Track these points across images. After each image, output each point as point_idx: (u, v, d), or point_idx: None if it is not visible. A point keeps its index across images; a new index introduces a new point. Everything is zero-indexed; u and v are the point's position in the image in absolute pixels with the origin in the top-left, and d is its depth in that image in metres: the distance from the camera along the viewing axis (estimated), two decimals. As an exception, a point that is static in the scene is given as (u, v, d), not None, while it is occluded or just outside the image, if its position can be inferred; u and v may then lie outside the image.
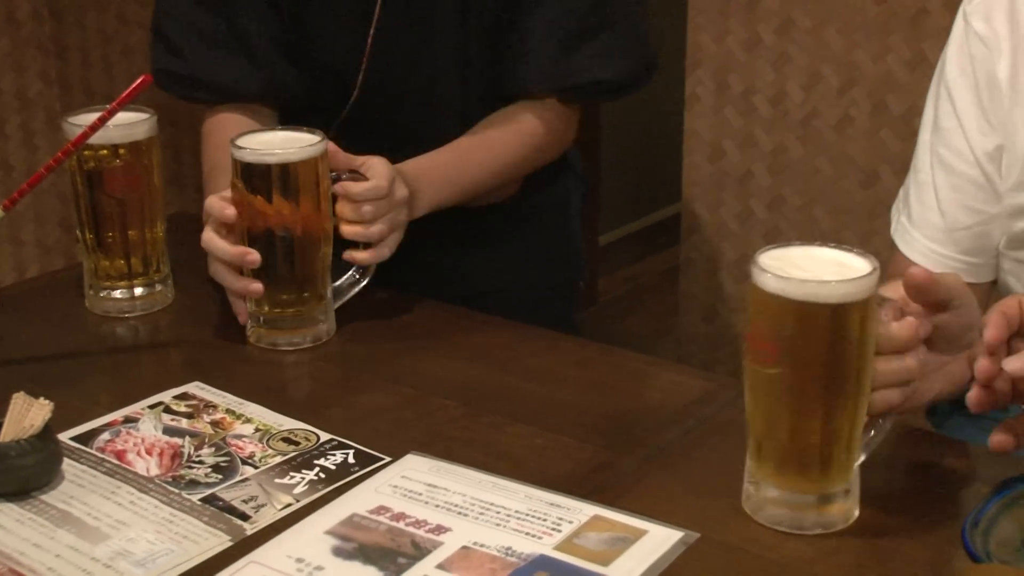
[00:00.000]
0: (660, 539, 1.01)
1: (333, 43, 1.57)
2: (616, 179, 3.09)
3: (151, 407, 1.20)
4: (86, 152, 1.35)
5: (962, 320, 1.08)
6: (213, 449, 1.13)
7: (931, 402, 1.18)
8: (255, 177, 1.29)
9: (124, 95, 1.23)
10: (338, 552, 0.97)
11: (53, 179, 1.38)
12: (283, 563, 0.96)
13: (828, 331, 0.97)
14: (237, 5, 1.55)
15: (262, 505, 1.04)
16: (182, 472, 1.09)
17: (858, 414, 1.00)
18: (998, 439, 1.02)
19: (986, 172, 1.30)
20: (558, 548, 0.99)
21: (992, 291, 1.35)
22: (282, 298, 1.33)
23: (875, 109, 1.97)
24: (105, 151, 1.36)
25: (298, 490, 1.06)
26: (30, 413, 1.05)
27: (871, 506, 1.08)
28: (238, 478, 1.08)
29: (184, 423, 1.17)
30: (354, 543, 0.99)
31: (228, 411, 1.19)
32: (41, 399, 1.06)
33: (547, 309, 1.71)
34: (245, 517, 1.02)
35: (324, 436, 1.15)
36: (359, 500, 1.06)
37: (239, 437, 1.15)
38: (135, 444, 1.13)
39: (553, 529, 1.02)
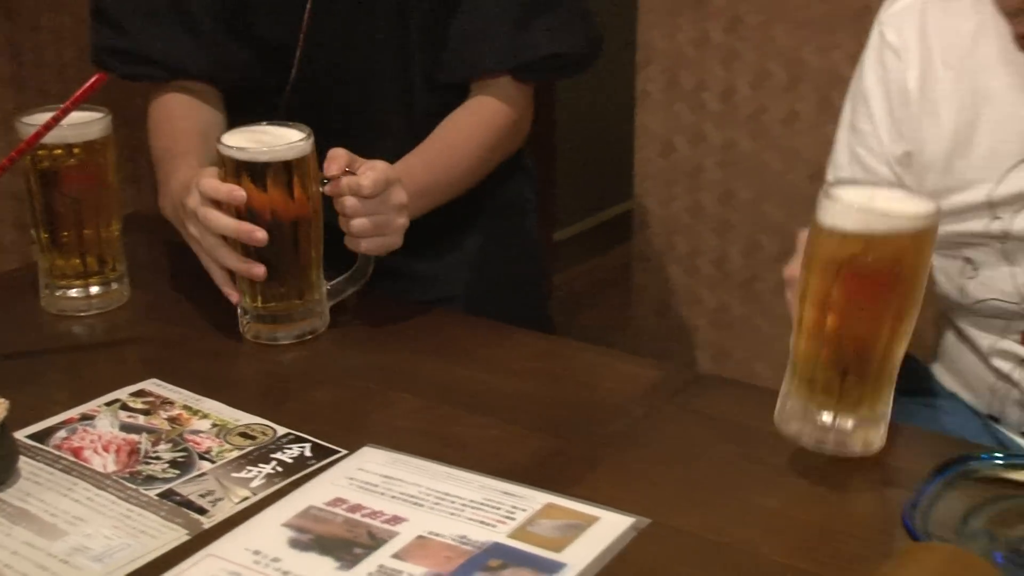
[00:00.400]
0: (611, 525, 1.01)
1: (272, 20, 1.54)
2: (570, 176, 3.10)
3: (108, 404, 1.19)
4: (40, 152, 1.34)
5: None
6: (170, 445, 1.12)
7: None
8: (251, 174, 1.28)
9: (78, 94, 1.22)
10: (295, 544, 0.97)
11: (8, 179, 1.37)
12: (240, 556, 0.96)
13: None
14: None
15: (219, 499, 1.04)
16: (139, 468, 1.09)
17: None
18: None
19: (898, 175, 1.34)
20: (512, 536, 1.00)
21: None
22: (279, 291, 1.32)
23: (821, 104, 1.99)
24: (59, 150, 1.36)
25: (255, 484, 1.06)
26: (-14, 411, 1.05)
27: (817, 489, 1.09)
28: (195, 473, 1.08)
29: (141, 420, 1.17)
30: (311, 535, 0.99)
31: (185, 407, 1.19)
32: (-3, 397, 1.06)
33: (518, 306, 1.71)
34: (202, 511, 1.02)
35: (281, 430, 1.15)
36: (316, 493, 1.05)
37: (196, 433, 1.14)
38: (92, 441, 1.12)
39: (507, 517, 1.02)
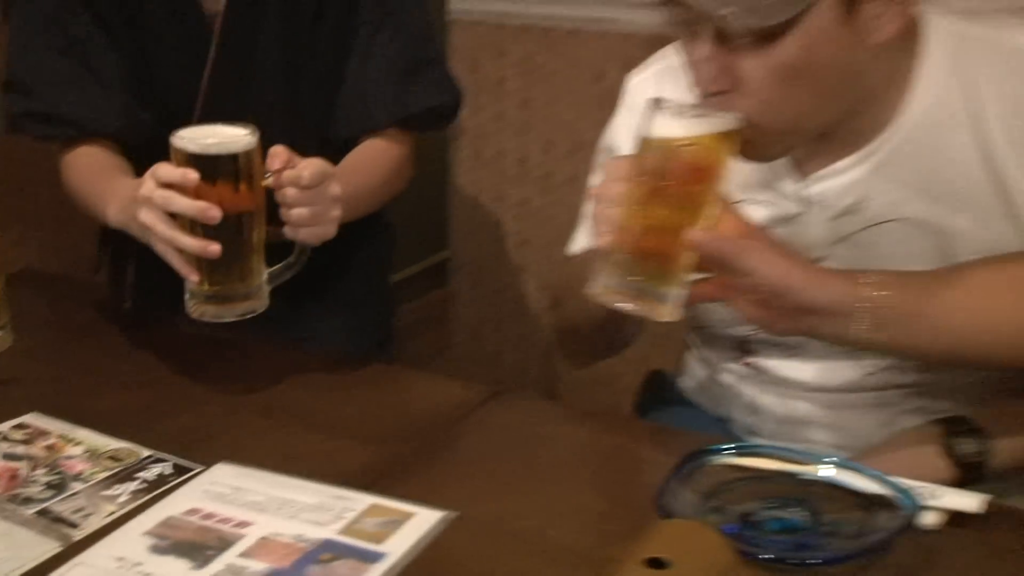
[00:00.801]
0: (425, 519, 1.01)
1: (173, 85, 1.48)
2: (399, 229, 3.08)
3: (-8, 437, 1.15)
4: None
5: None
6: (47, 469, 1.08)
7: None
8: (202, 165, 1.18)
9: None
10: (155, 549, 0.95)
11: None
12: (106, 562, 0.93)
13: None
14: (87, 47, 1.45)
15: (89, 514, 1.00)
16: (19, 491, 1.04)
17: None
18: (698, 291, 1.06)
19: None
20: (341, 532, 0.99)
21: None
22: (225, 275, 1.23)
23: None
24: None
25: (121, 499, 1.03)
26: None
27: (591, 480, 1.11)
28: (68, 493, 1.04)
29: (20, 449, 1.12)
30: (169, 540, 0.96)
31: (61, 436, 1.15)
32: None
33: (367, 342, 1.68)
34: (74, 525, 0.98)
35: (145, 452, 1.12)
36: (174, 504, 1.03)
37: (70, 458, 1.10)
38: (-23, 469, 1.08)
39: (338, 517, 1.01)
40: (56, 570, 0.91)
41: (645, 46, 1.38)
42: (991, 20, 1.17)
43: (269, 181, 1.22)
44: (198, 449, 1.14)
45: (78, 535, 0.97)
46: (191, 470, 1.09)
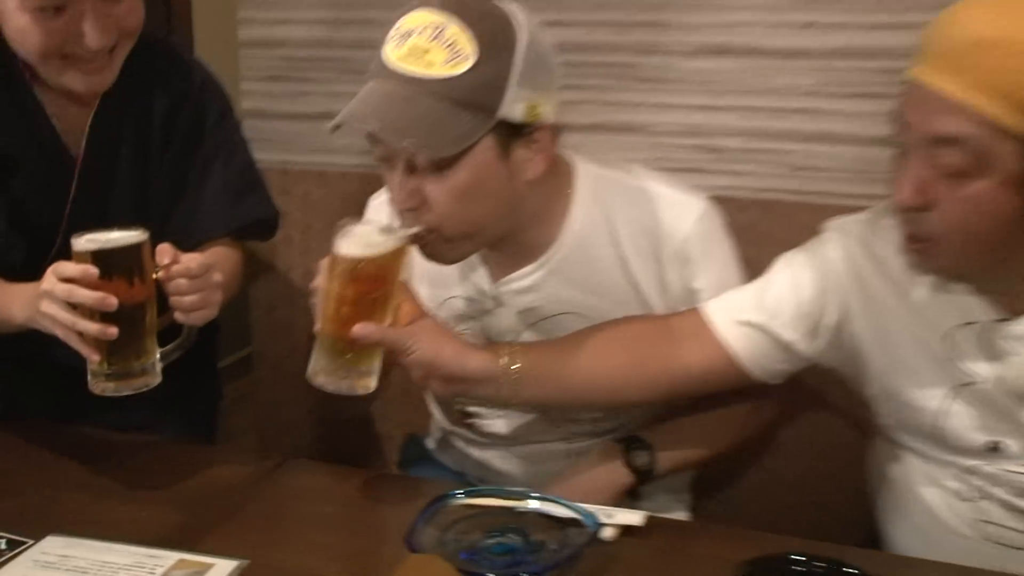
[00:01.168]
0: (222, 568, 1.03)
1: (40, 216, 1.39)
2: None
3: None
4: None
5: None
6: None
7: None
8: (99, 261, 1.14)
9: None
10: (-8, 612, 0.94)
11: None
12: (-51, 626, 0.91)
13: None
14: None
15: (-67, 587, 0.98)
16: None
17: None
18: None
19: None
20: None
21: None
22: (122, 355, 1.17)
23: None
24: None
25: (-38, 573, 1.01)
26: None
27: (355, 521, 1.14)
28: (-86, 571, 1.01)
29: None
30: (4, 603, 0.95)
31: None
32: None
33: (198, 428, 1.64)
34: (-81, 598, 0.95)
35: None
36: (9, 574, 1.02)
37: (-86, 541, 1.07)
38: None
39: (150, 573, 1.02)
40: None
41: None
42: (619, 166, 1.34)
43: (160, 274, 1.19)
44: (30, 525, 1.11)
45: (-77, 606, 0.94)
46: (24, 543, 1.08)
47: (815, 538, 1.14)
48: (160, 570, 1.03)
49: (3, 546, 1.08)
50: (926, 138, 1.04)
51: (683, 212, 1.27)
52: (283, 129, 1.91)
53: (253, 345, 2.08)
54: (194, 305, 1.21)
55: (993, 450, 1.17)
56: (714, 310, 1.25)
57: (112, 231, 1.17)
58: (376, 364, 1.12)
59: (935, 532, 1.23)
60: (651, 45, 1.66)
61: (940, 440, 1.19)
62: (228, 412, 1.87)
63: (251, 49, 1.90)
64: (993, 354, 1.15)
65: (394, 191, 1.18)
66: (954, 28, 1.04)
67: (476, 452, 1.43)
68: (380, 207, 1.38)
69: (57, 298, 1.14)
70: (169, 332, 1.22)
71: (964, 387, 1.17)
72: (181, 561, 1.04)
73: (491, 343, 1.23)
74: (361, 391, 1.11)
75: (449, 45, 1.11)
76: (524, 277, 1.30)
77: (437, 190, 1.16)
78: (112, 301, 1.12)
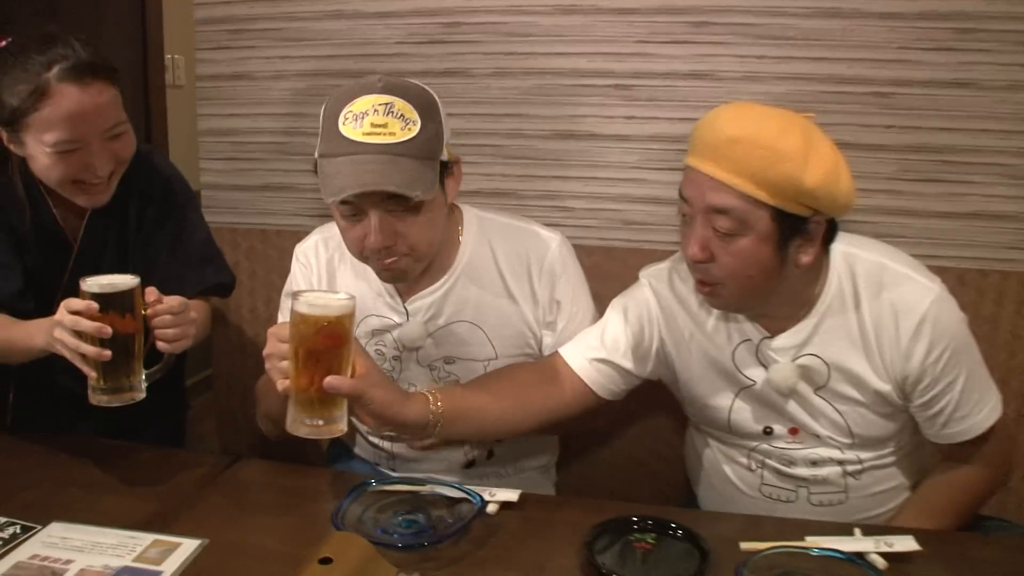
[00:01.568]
0: (188, 546, 1.05)
1: (43, 281, 1.41)
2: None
3: None
4: None
5: None
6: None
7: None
8: (100, 300, 1.17)
9: None
10: (9, 584, 0.96)
11: None
12: (-26, 596, 0.94)
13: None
14: None
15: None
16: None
17: None
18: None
19: None
20: (134, 560, 1.02)
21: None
22: (115, 375, 1.19)
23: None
24: None
25: (-17, 555, 1.01)
26: None
27: (295, 513, 1.13)
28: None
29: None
30: (18, 577, 0.97)
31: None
32: None
33: (172, 434, 1.64)
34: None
35: (1, 519, 1.11)
36: (22, 552, 1.04)
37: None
38: None
39: (131, 551, 1.04)
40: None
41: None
42: (496, 211, 1.42)
43: (147, 311, 1.21)
44: (39, 513, 1.13)
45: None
46: (33, 528, 1.10)
47: (651, 502, 1.22)
48: (139, 548, 1.05)
49: (18, 531, 1.10)
50: (704, 208, 1.15)
51: (547, 240, 1.37)
52: (233, 198, 1.94)
53: (213, 367, 2.08)
54: (175, 336, 1.23)
55: (767, 433, 1.29)
56: (570, 354, 1.32)
57: (113, 276, 1.19)
58: (344, 408, 1.07)
59: (730, 493, 1.35)
60: (516, 131, 1.73)
61: (730, 429, 1.32)
62: (194, 421, 1.86)
63: (208, 137, 1.93)
64: (763, 363, 1.25)
65: (371, 234, 1.18)
66: (712, 128, 1.12)
67: (387, 446, 1.47)
68: (308, 250, 1.39)
69: (66, 327, 1.17)
70: (151, 357, 1.25)
71: (744, 389, 1.29)
72: (156, 541, 1.07)
73: (418, 392, 1.19)
74: (338, 434, 1.06)
75: (400, 116, 1.15)
76: (428, 295, 1.36)
77: (415, 225, 1.19)
78: (108, 330, 1.15)
